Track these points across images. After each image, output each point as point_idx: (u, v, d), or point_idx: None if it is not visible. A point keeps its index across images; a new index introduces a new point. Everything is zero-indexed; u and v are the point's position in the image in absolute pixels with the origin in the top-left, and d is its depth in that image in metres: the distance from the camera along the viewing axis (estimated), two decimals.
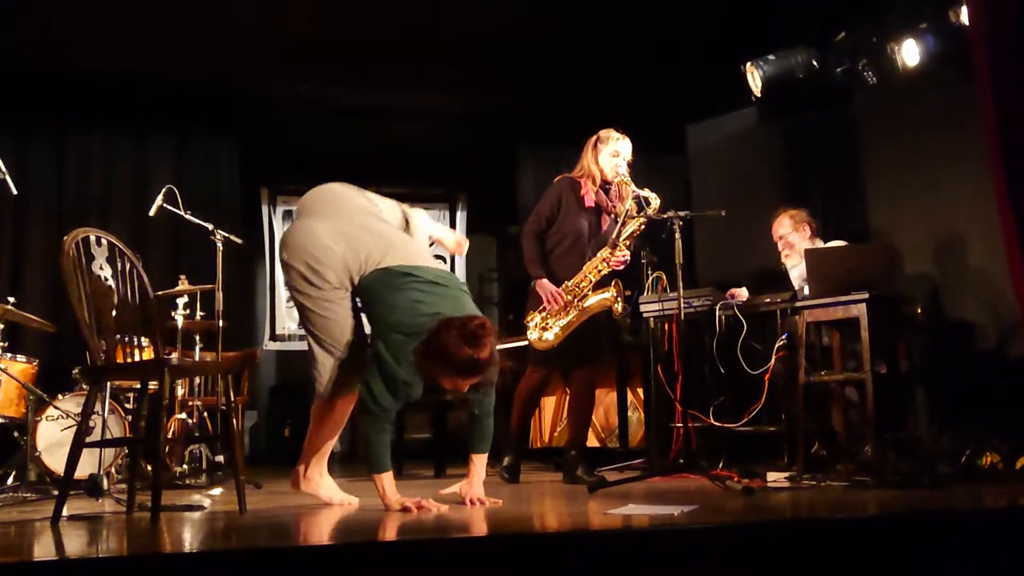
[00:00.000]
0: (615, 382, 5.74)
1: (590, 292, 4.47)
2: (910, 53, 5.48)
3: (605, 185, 4.64)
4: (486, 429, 3.61)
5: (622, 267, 4.51)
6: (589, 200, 4.58)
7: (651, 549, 2.46)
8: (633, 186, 4.49)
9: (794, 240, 5.09)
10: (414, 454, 6.32)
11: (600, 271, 4.48)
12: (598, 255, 4.50)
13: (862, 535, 2.62)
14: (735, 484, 3.82)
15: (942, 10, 5.22)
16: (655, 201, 4.45)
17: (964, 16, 4.90)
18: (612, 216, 4.62)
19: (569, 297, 4.47)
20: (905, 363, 4.41)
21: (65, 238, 3.30)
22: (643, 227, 4.54)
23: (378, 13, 6.02)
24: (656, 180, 4.91)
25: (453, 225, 8.74)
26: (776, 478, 4.05)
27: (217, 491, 4.53)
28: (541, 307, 4.52)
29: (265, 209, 8.19)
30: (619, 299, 4.43)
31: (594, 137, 4.66)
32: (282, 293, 8.04)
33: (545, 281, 4.51)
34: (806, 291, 4.65)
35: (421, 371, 3.30)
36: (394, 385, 3.30)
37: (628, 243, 4.51)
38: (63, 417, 4.82)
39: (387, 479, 3.36)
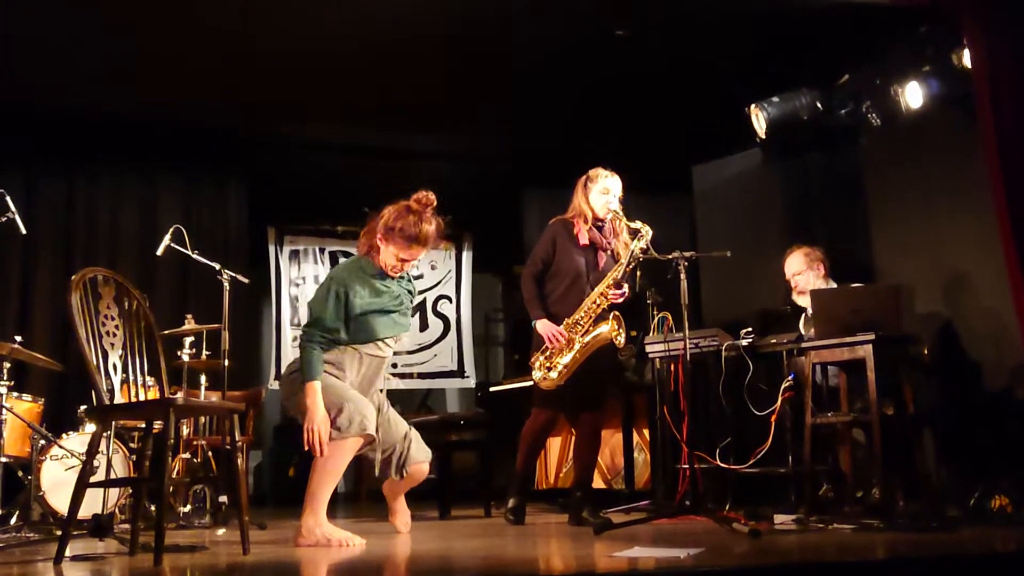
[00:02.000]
0: (621, 423, 5.72)
1: (591, 327, 4.47)
2: (913, 95, 5.52)
3: (598, 223, 4.66)
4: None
5: (621, 300, 4.51)
6: (583, 239, 4.60)
7: None
8: (625, 220, 4.51)
9: (805, 280, 5.06)
10: (419, 495, 6.27)
11: (599, 305, 4.48)
12: (595, 290, 4.51)
13: None
14: (742, 526, 3.78)
15: (944, 53, 5.27)
16: (647, 233, 4.44)
17: (966, 59, 4.94)
18: (608, 253, 4.63)
19: (570, 334, 4.47)
20: (912, 404, 4.38)
21: (73, 277, 3.33)
22: (639, 260, 4.53)
23: (384, 56, 6.09)
24: (661, 220, 4.91)
25: (459, 265, 8.74)
26: (783, 520, 4.02)
27: (221, 531, 4.51)
28: (543, 347, 4.52)
29: (272, 249, 8.22)
30: (620, 331, 4.42)
31: (584, 176, 4.69)
32: (287, 332, 8.05)
33: (545, 321, 4.52)
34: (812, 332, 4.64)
35: (382, 248, 3.90)
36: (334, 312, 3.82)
37: (625, 275, 4.50)
38: (68, 456, 4.81)
39: (315, 389, 3.71)
